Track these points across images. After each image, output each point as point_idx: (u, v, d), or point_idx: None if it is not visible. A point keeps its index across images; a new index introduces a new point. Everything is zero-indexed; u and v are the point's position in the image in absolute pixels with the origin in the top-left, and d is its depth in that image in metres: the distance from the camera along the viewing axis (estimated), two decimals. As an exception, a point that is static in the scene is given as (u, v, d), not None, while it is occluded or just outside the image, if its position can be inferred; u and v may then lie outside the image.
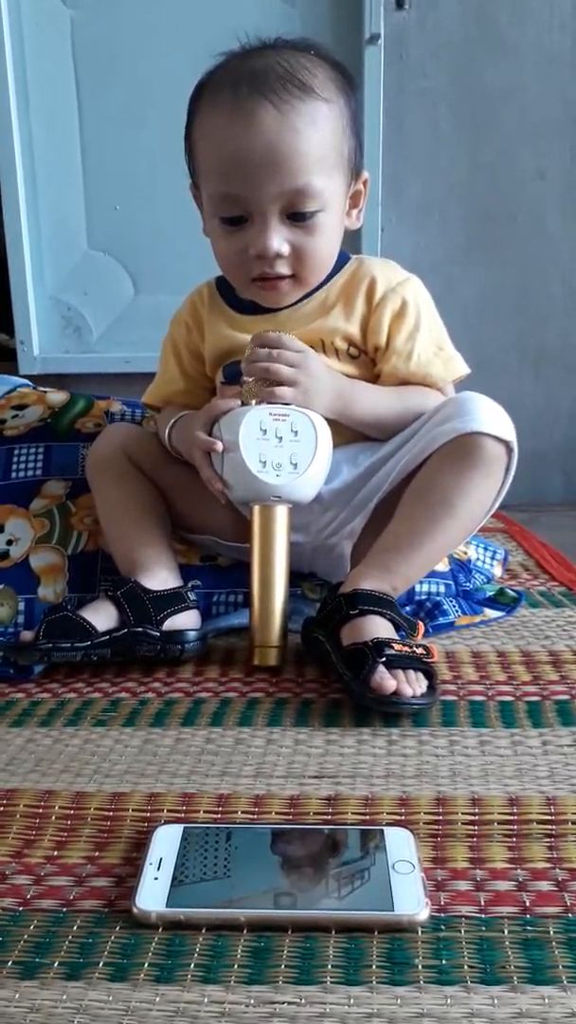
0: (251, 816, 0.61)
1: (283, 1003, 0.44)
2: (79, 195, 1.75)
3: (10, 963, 0.47)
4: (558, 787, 0.64)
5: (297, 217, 0.85)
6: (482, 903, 0.52)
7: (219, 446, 0.84)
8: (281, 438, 0.83)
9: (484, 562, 1.11)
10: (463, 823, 0.60)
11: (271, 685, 0.82)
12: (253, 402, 0.85)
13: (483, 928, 0.49)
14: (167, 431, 0.95)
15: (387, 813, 0.61)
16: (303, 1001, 0.44)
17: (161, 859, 0.54)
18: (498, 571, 1.12)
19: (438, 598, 0.97)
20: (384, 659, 0.75)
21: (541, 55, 1.63)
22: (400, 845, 0.55)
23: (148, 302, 1.74)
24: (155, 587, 0.88)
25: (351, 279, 0.93)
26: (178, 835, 0.56)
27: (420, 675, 0.77)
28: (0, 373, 1.28)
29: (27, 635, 0.85)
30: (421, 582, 0.94)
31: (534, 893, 0.52)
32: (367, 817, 0.61)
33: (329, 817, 0.61)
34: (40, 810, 0.62)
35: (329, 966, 0.47)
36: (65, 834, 0.60)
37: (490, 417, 0.84)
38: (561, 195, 1.67)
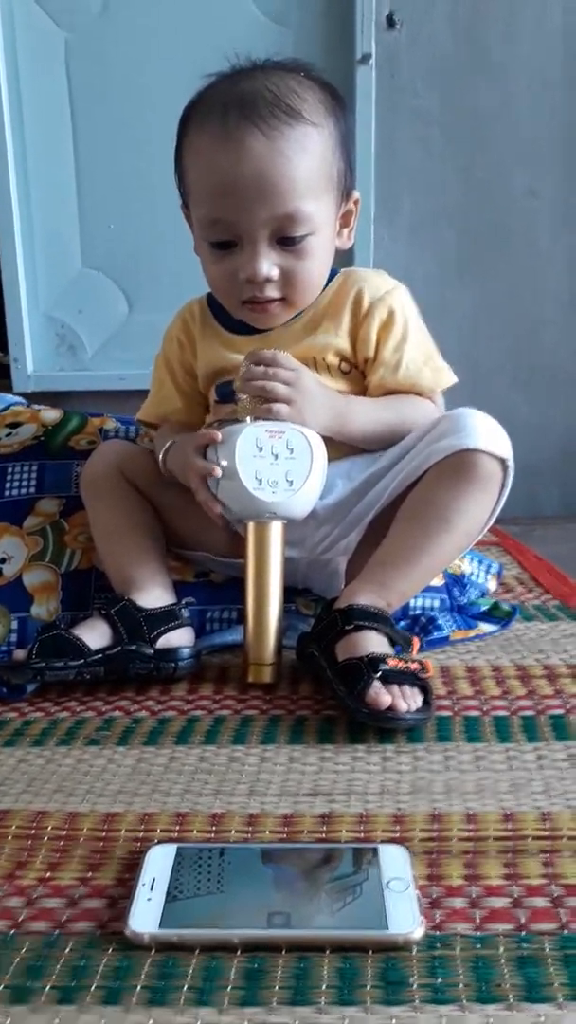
0: (245, 835, 0.61)
1: (277, 1025, 0.44)
2: (73, 213, 1.76)
3: (1, 987, 0.47)
4: (553, 802, 0.63)
5: (286, 242, 0.86)
6: (477, 920, 0.51)
7: (218, 472, 0.84)
8: (277, 455, 0.83)
9: (478, 576, 1.11)
10: (458, 839, 0.59)
11: (265, 702, 0.82)
12: (248, 419, 0.85)
13: (478, 946, 0.49)
14: (161, 456, 0.95)
15: (382, 830, 0.61)
16: (297, 1023, 0.44)
17: (154, 880, 0.54)
18: (492, 585, 1.12)
19: (433, 613, 0.97)
20: (379, 674, 0.75)
21: (531, 74, 1.65)
22: (395, 863, 0.54)
23: (142, 320, 1.75)
24: (148, 605, 0.88)
25: (338, 292, 0.93)
26: (171, 855, 0.56)
27: (415, 690, 0.77)
28: (-6, 391, 1.29)
29: (20, 654, 0.84)
30: (416, 596, 0.94)
31: (529, 910, 0.52)
32: (362, 835, 0.60)
33: (323, 835, 0.61)
34: (32, 831, 0.62)
35: (323, 986, 0.46)
36: (58, 855, 0.59)
37: (486, 434, 0.85)
38: (553, 213, 1.68)
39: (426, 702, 0.76)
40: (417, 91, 1.66)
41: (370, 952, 0.48)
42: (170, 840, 0.60)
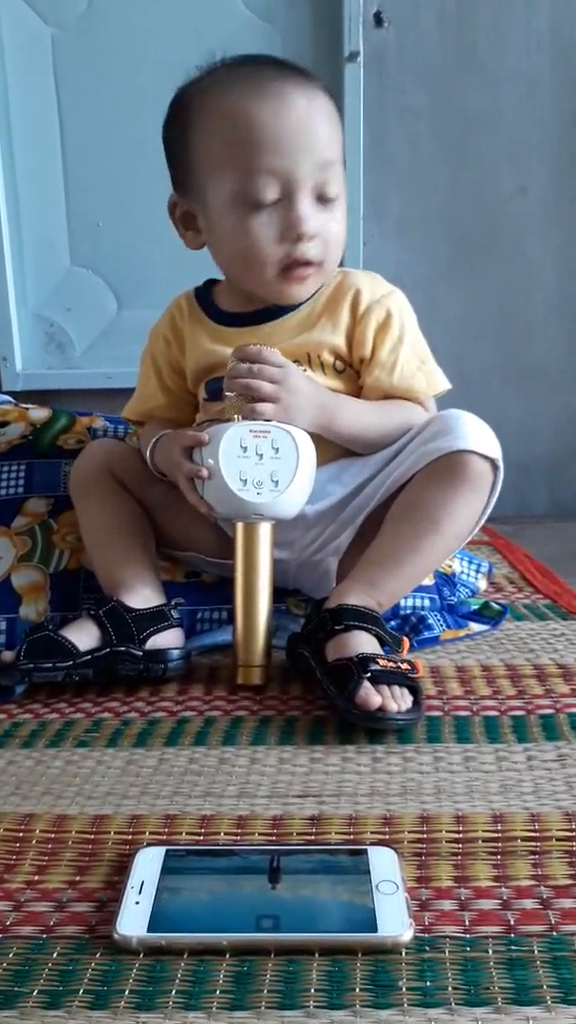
0: (234, 837, 0.61)
1: (266, 1029, 0.44)
2: (61, 212, 1.75)
3: (-12, 992, 0.47)
4: (542, 803, 0.63)
5: (323, 200, 0.86)
6: (466, 923, 0.51)
7: (204, 472, 0.83)
8: (262, 455, 0.83)
9: (469, 575, 1.11)
10: (447, 841, 0.59)
11: (255, 703, 0.82)
12: (236, 418, 0.85)
13: (467, 948, 0.49)
14: (149, 452, 0.94)
15: (371, 832, 0.61)
16: (286, 1027, 0.44)
17: (143, 883, 0.53)
18: (483, 584, 1.12)
19: (423, 612, 0.97)
20: (369, 675, 0.75)
21: (520, 73, 1.65)
22: (384, 865, 0.54)
23: (131, 318, 1.74)
24: (138, 605, 0.88)
25: (336, 291, 0.93)
26: (160, 858, 0.56)
27: (405, 691, 0.76)
28: (-18, 390, 1.28)
29: (8, 655, 0.84)
30: (406, 596, 0.94)
31: (518, 912, 0.52)
32: (351, 836, 0.60)
33: (313, 837, 0.60)
34: (21, 834, 0.62)
35: (312, 990, 0.46)
36: (46, 858, 0.59)
37: (476, 435, 0.85)
38: (543, 213, 1.68)
39: (416, 702, 0.76)
40: (405, 89, 1.66)
41: (359, 955, 0.48)
42: (159, 843, 0.59)
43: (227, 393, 0.86)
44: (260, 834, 0.61)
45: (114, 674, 0.84)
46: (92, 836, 0.61)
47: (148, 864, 0.55)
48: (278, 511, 0.84)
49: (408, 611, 0.97)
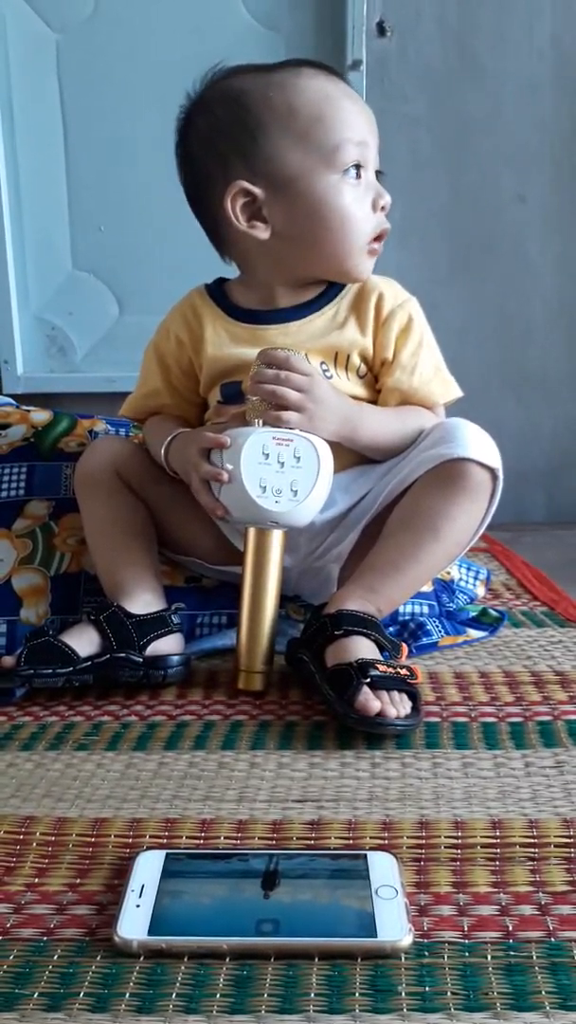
0: (234, 841, 0.61)
1: (266, 1033, 0.44)
2: (64, 215, 1.75)
3: (-11, 994, 0.47)
4: (540, 810, 0.64)
5: (379, 176, 0.92)
6: (465, 928, 0.51)
7: (225, 476, 0.83)
8: (283, 463, 0.82)
9: (467, 582, 1.11)
10: (446, 847, 0.60)
11: (254, 707, 0.82)
12: (257, 422, 0.84)
13: (466, 954, 0.49)
14: (163, 449, 0.93)
15: (370, 837, 0.61)
16: (286, 1030, 0.44)
17: (143, 886, 0.54)
18: (481, 591, 1.13)
19: (422, 619, 0.97)
20: (368, 680, 0.75)
21: (520, 81, 1.65)
22: (383, 870, 0.55)
23: (132, 322, 1.74)
24: (138, 611, 0.88)
25: (359, 294, 0.93)
26: (160, 861, 0.56)
27: (404, 696, 0.77)
28: (-17, 393, 1.28)
29: (8, 660, 0.84)
30: (405, 603, 0.95)
31: (517, 917, 0.52)
32: (350, 841, 0.61)
33: (312, 842, 0.61)
34: (21, 836, 0.62)
35: (312, 994, 0.46)
36: (46, 861, 0.59)
37: (477, 444, 0.85)
38: (542, 219, 1.69)
39: (415, 708, 0.77)
40: (407, 97, 1.66)
41: (359, 960, 0.49)
42: (159, 846, 0.60)
43: (250, 397, 0.85)
44: (260, 838, 0.61)
45: (114, 680, 0.85)
46: (92, 839, 0.61)
47: (148, 867, 0.55)
48: (294, 520, 0.84)
49: (407, 617, 0.97)
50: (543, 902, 0.54)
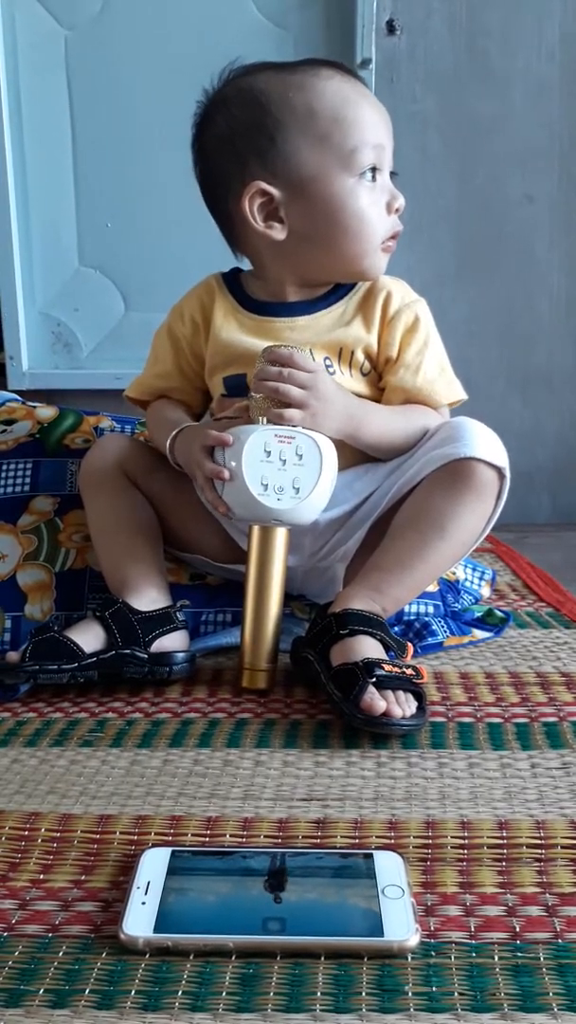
0: (240, 840, 0.61)
1: (272, 1032, 0.44)
2: (71, 212, 1.75)
3: (-6, 990, 0.47)
4: (547, 811, 0.64)
5: (393, 177, 0.92)
6: (472, 929, 0.51)
7: (226, 474, 0.82)
8: (285, 461, 0.82)
9: (472, 582, 1.11)
10: (453, 847, 0.59)
11: (259, 705, 0.82)
12: (261, 419, 0.84)
13: (473, 954, 0.49)
14: (168, 443, 0.93)
15: (376, 836, 0.61)
16: (292, 1029, 0.44)
17: (149, 883, 0.53)
18: (486, 591, 1.12)
19: (427, 619, 0.97)
20: (374, 679, 0.75)
21: (529, 81, 1.65)
22: (390, 869, 0.54)
23: (139, 319, 1.74)
24: (143, 607, 0.88)
25: (369, 291, 0.93)
26: (166, 859, 0.56)
27: (410, 696, 0.77)
28: (-11, 389, 1.28)
29: (13, 656, 0.84)
30: (410, 603, 0.94)
31: (524, 918, 0.52)
32: (357, 841, 0.60)
33: (318, 840, 0.60)
34: (26, 833, 0.62)
35: (318, 993, 0.46)
36: (51, 857, 0.59)
37: (484, 443, 0.85)
38: (549, 219, 1.68)
39: (420, 708, 0.76)
40: (416, 96, 1.66)
41: (365, 959, 0.48)
42: (164, 844, 0.59)
43: (254, 394, 0.85)
44: (265, 836, 0.61)
45: (119, 676, 0.84)
46: (97, 836, 0.61)
47: (154, 865, 0.55)
48: (297, 518, 0.84)
49: (412, 617, 0.97)
50: (550, 903, 0.53)
